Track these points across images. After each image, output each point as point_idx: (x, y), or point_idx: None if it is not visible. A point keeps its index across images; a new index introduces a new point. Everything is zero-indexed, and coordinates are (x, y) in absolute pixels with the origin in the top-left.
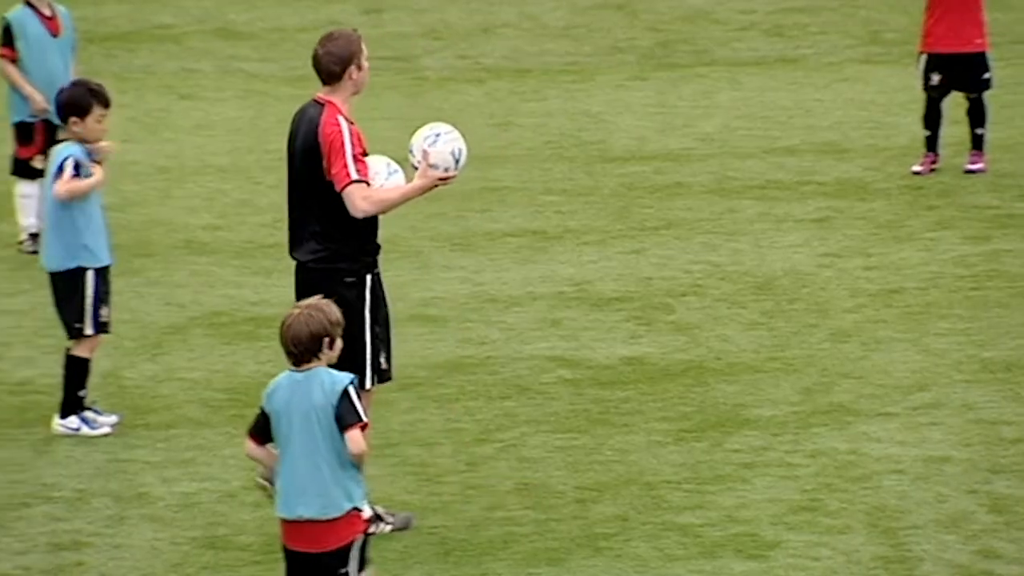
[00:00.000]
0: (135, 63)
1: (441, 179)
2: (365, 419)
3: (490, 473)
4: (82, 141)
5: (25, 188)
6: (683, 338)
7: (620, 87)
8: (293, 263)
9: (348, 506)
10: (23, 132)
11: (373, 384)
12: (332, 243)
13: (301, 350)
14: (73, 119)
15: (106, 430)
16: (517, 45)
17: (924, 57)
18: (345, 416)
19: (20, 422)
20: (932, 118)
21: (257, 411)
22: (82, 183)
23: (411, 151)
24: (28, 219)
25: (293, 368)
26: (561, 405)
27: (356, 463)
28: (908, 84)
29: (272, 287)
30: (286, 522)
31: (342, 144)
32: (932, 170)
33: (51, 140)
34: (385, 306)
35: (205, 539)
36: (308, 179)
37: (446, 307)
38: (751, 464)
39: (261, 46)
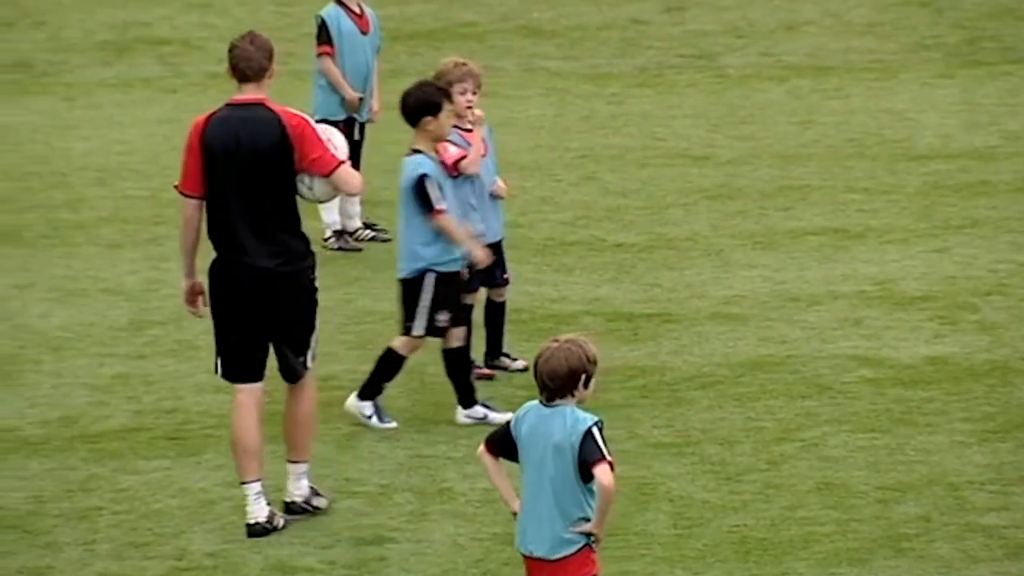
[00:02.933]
0: (440, 61)
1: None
2: (611, 457)
3: (791, 472)
4: (435, 139)
5: None
6: (988, 338)
7: (925, 85)
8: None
9: (574, 548)
10: None
11: (313, 364)
12: (296, 246)
13: (557, 385)
14: (427, 119)
15: (393, 425)
16: (820, 42)
17: None
18: (590, 455)
19: (324, 417)
20: None
21: (503, 425)
22: (452, 224)
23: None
24: (331, 216)
25: (543, 402)
26: (863, 404)
27: (602, 501)
28: None
29: (573, 284)
30: (523, 557)
31: (314, 131)
32: None
33: (350, 138)
34: None
35: (506, 535)
36: (270, 183)
37: (747, 305)
38: None
39: (563, 44)
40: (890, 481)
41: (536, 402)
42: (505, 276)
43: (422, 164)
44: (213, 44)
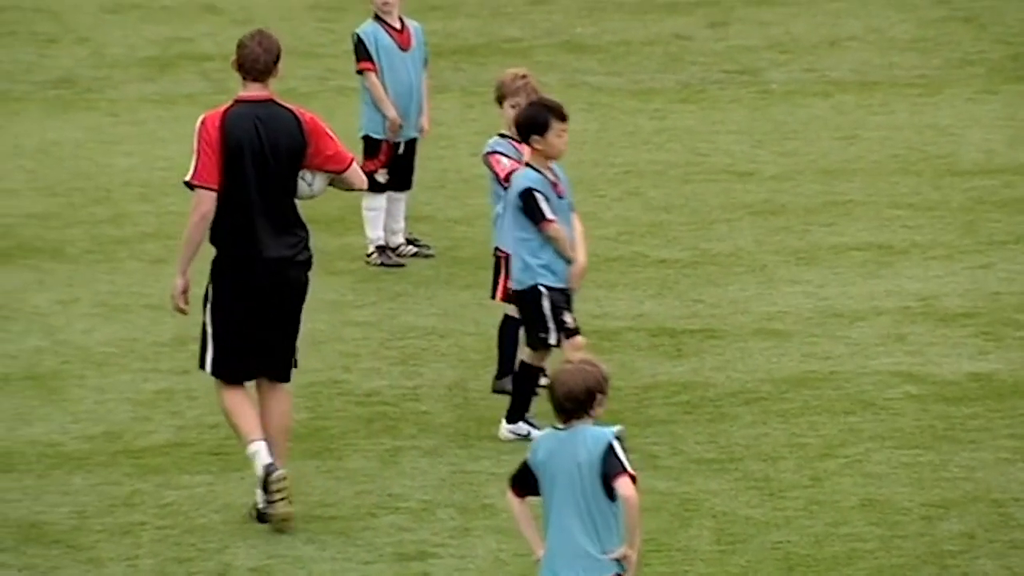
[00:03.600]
0: (483, 77)
1: None
2: (632, 470)
3: (834, 488)
4: (547, 157)
5: (371, 201)
6: None
7: (969, 100)
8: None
9: (609, 572)
10: (370, 146)
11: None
12: (305, 236)
13: (574, 406)
14: (534, 137)
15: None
16: (864, 58)
17: None
18: (611, 468)
19: (367, 433)
20: None
21: (521, 463)
22: (563, 235)
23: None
24: (375, 232)
25: (557, 426)
26: (906, 421)
27: (628, 515)
28: None
29: (616, 300)
30: None
31: (325, 128)
32: None
33: (395, 155)
34: None
35: None
36: (287, 178)
37: (790, 321)
38: None
39: (607, 59)
40: (934, 498)
41: (549, 429)
42: None
43: (527, 177)
44: None
